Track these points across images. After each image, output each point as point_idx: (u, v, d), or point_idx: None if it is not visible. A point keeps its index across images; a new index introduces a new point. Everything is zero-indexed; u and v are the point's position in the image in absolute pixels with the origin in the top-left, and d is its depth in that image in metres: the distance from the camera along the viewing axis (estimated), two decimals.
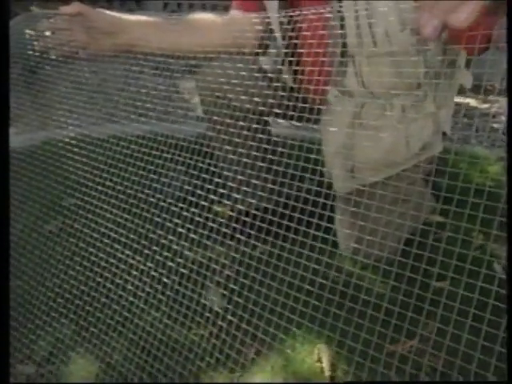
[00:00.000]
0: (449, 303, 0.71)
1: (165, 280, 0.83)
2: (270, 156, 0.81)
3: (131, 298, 0.83)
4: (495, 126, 2.21)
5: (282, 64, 0.85)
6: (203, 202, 0.81)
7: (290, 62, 0.83)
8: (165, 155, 0.97)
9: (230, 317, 0.79)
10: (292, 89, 0.83)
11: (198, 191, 0.83)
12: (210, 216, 0.81)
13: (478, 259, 0.73)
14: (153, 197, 1.01)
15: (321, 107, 0.81)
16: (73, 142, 1.43)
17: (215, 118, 0.89)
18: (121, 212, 0.93)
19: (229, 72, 0.79)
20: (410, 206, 0.77)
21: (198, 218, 0.83)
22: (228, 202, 0.88)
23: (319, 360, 0.73)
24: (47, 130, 2.11)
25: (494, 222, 0.65)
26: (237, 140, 0.87)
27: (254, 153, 0.86)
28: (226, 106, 0.86)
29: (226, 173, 0.96)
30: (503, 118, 2.28)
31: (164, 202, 0.95)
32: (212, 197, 0.81)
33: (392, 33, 0.71)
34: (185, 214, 0.85)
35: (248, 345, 0.76)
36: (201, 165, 0.86)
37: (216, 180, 0.83)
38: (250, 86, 0.79)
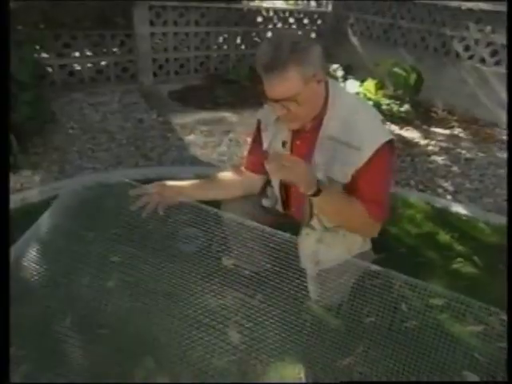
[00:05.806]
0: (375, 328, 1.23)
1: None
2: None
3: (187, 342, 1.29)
4: (430, 166, 2.54)
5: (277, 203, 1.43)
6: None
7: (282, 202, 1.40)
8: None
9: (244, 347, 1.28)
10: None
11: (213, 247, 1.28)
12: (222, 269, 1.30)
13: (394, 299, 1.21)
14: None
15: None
16: (91, 190, 1.77)
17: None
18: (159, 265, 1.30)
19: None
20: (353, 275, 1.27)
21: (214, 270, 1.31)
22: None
23: (299, 373, 1.23)
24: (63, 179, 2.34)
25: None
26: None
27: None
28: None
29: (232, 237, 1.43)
30: (435, 158, 2.65)
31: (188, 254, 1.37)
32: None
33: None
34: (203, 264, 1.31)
35: (256, 365, 1.26)
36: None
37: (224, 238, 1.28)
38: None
